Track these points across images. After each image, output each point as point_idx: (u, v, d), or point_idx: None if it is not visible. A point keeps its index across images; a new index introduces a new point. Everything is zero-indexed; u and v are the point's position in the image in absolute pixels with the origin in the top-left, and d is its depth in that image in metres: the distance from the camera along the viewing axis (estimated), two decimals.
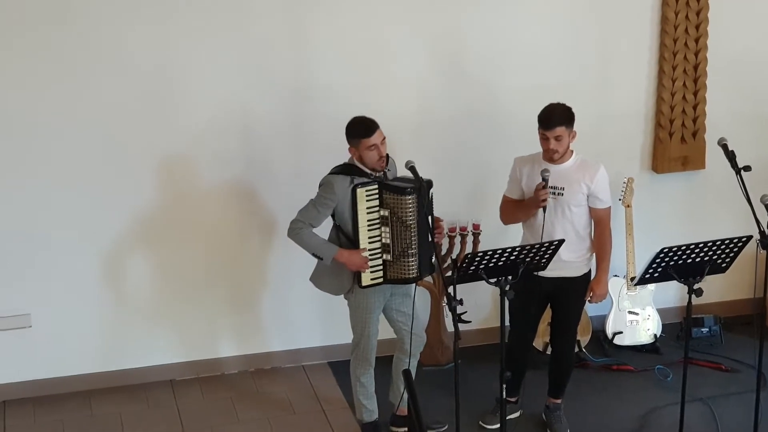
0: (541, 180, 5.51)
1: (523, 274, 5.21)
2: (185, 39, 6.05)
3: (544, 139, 5.56)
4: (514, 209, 5.75)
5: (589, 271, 5.80)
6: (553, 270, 5.49)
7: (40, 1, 5.82)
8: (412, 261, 5.54)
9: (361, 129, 5.47)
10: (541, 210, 5.53)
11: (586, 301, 5.87)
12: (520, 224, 5.80)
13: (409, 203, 5.44)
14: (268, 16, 6.13)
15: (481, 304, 6.73)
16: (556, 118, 5.51)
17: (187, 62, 6.10)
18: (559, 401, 6.06)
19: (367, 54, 6.31)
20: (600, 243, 5.74)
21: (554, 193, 5.59)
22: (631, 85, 6.75)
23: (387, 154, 5.56)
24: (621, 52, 6.67)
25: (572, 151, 5.65)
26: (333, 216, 5.56)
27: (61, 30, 5.88)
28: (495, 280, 5.17)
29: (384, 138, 5.48)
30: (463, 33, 6.41)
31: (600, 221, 5.73)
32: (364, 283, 5.55)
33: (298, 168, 6.28)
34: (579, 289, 5.77)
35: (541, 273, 5.43)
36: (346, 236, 5.54)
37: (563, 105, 5.58)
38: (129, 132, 6.11)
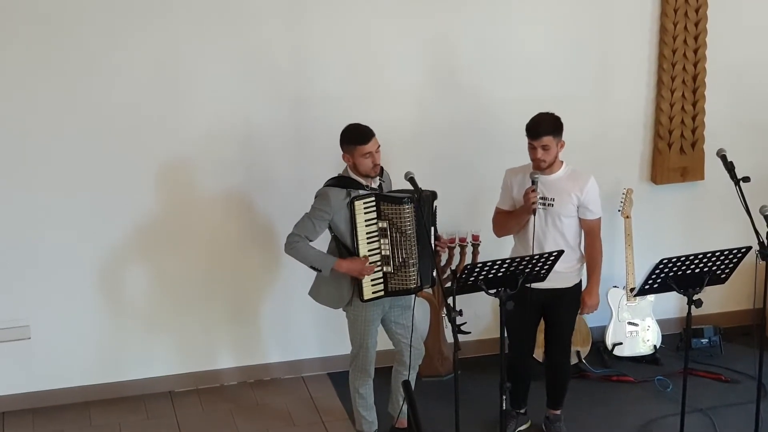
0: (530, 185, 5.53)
1: (521, 285, 5.23)
2: (185, 48, 6.06)
3: (531, 149, 5.57)
4: (506, 219, 5.74)
5: (581, 281, 5.79)
6: (545, 281, 5.48)
7: (37, 8, 5.83)
8: (413, 271, 5.53)
9: (357, 135, 5.47)
10: (531, 217, 5.54)
11: (579, 312, 5.87)
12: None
13: (407, 213, 5.44)
14: (268, 24, 6.14)
15: (480, 315, 6.73)
16: (542, 127, 5.52)
17: (186, 71, 6.10)
18: (558, 412, 6.05)
19: (367, 64, 6.32)
20: (591, 254, 5.74)
21: (544, 204, 5.59)
22: (630, 95, 6.76)
23: (381, 167, 5.56)
24: (620, 62, 6.68)
25: (562, 162, 5.66)
26: (330, 229, 5.56)
27: (59, 36, 5.88)
28: (494, 291, 5.17)
29: (378, 146, 5.49)
30: (462, 44, 6.42)
31: (590, 232, 5.72)
32: (365, 297, 5.54)
33: (299, 177, 6.28)
34: (571, 299, 5.76)
35: (533, 284, 5.42)
36: (345, 248, 5.53)
37: (551, 114, 5.59)
38: (128, 141, 6.12)
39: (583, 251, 5.75)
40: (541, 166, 5.55)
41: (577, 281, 5.77)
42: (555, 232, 5.63)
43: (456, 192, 6.50)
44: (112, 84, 6.02)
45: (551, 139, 5.52)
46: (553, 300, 5.69)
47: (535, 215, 5.53)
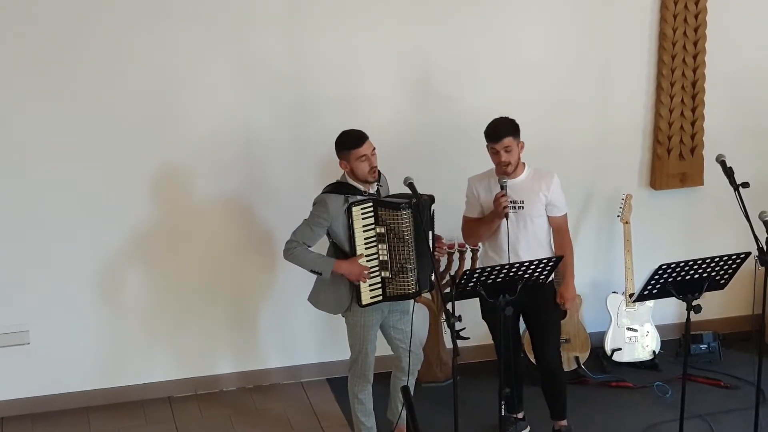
0: (499, 190, 5.54)
1: (521, 290, 5.23)
2: (184, 53, 6.07)
3: (494, 154, 5.59)
4: (477, 227, 5.74)
5: (553, 278, 5.77)
6: None
7: (38, 14, 5.84)
8: (411, 276, 5.53)
9: (350, 140, 5.48)
10: (504, 221, 5.54)
11: (563, 312, 5.84)
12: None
13: (405, 218, 5.44)
14: (268, 30, 6.14)
15: (479, 321, 6.67)
16: (502, 129, 5.55)
17: (186, 76, 6.11)
18: (565, 422, 5.97)
19: (368, 69, 6.32)
20: (563, 250, 5.72)
21: (514, 207, 5.59)
22: (630, 101, 6.76)
23: (379, 171, 5.56)
24: (619, 68, 6.68)
25: (524, 164, 5.68)
26: (328, 235, 5.56)
27: (59, 42, 5.89)
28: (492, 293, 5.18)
29: (374, 149, 5.49)
30: (463, 49, 6.42)
31: (559, 229, 5.74)
32: (363, 302, 5.54)
33: (298, 182, 6.28)
34: (546, 296, 5.73)
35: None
36: (344, 254, 5.53)
37: (507, 117, 5.63)
38: (128, 147, 6.12)
39: (553, 249, 5.76)
40: (507, 170, 5.57)
41: (550, 278, 5.73)
42: (527, 233, 5.64)
43: (456, 198, 6.50)
44: (112, 89, 6.02)
45: (512, 140, 5.55)
46: (528, 300, 5.58)
47: (507, 219, 5.53)
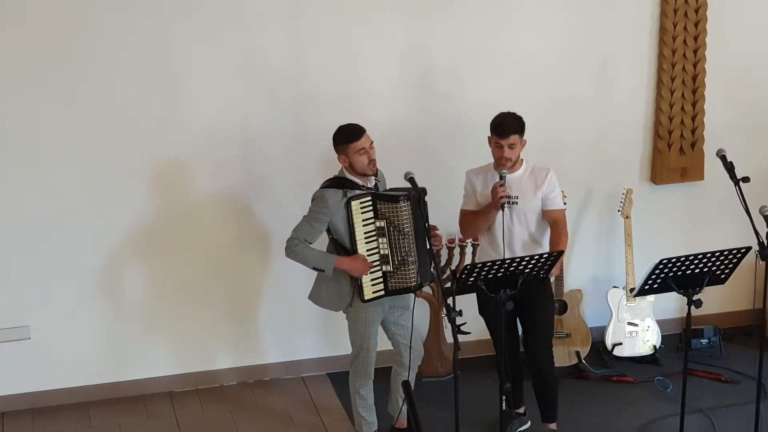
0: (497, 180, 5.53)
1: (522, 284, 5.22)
2: (183, 50, 6.06)
3: (497, 147, 5.59)
4: (474, 219, 5.72)
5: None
6: None
7: (38, 11, 5.84)
8: (412, 269, 5.53)
9: (348, 133, 5.48)
10: (499, 215, 5.54)
11: (562, 306, 5.82)
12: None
13: (404, 211, 5.44)
14: (267, 27, 6.14)
15: (480, 316, 6.71)
16: (510, 126, 5.55)
17: (184, 73, 6.11)
18: (554, 426, 5.90)
19: (366, 66, 6.32)
20: (557, 244, 5.60)
21: (509, 202, 5.59)
22: (630, 96, 6.76)
23: (376, 167, 5.56)
24: (620, 63, 6.68)
25: (522, 160, 5.68)
26: (328, 230, 5.56)
27: (58, 38, 5.88)
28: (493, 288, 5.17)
29: (372, 142, 5.48)
30: (463, 45, 6.42)
31: (556, 223, 5.68)
32: (366, 297, 5.54)
33: (297, 179, 6.28)
34: (540, 291, 5.69)
35: None
36: (344, 249, 5.53)
37: (515, 113, 5.62)
38: (126, 143, 6.12)
39: (547, 245, 5.73)
40: (506, 165, 5.57)
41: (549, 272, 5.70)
42: (521, 228, 5.64)
43: (454, 193, 6.50)
44: (111, 86, 6.02)
45: (518, 138, 5.56)
46: (523, 295, 5.44)
47: (503, 210, 5.53)
